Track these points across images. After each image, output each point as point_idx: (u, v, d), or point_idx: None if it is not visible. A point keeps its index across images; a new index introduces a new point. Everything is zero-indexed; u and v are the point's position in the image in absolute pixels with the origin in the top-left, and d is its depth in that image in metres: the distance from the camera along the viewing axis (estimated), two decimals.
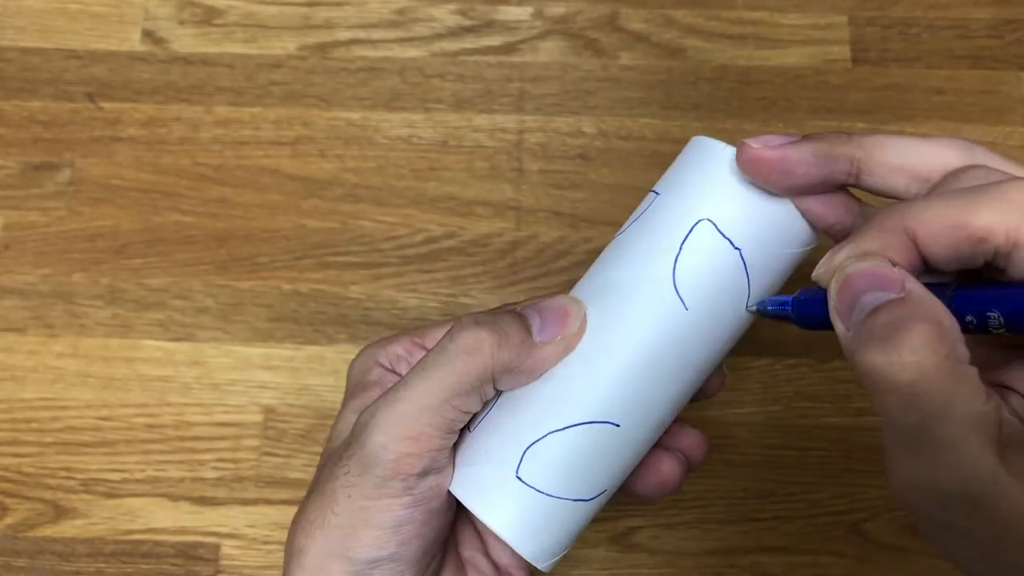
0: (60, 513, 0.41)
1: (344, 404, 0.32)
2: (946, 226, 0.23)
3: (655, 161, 0.45)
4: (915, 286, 0.23)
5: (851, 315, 0.24)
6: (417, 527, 0.29)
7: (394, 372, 0.33)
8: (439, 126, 0.46)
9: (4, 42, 0.48)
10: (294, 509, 0.41)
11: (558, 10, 0.48)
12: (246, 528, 0.41)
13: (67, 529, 0.41)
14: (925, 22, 0.48)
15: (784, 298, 0.28)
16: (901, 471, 0.23)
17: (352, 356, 0.43)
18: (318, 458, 0.41)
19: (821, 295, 0.26)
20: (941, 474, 0.22)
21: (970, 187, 0.24)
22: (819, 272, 0.26)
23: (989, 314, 0.23)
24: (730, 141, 0.47)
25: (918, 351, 0.22)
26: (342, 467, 0.29)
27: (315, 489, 0.30)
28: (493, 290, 0.44)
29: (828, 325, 0.25)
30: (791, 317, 0.28)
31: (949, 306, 0.23)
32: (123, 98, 0.47)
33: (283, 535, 0.41)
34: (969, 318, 0.23)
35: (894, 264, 0.24)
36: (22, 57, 0.48)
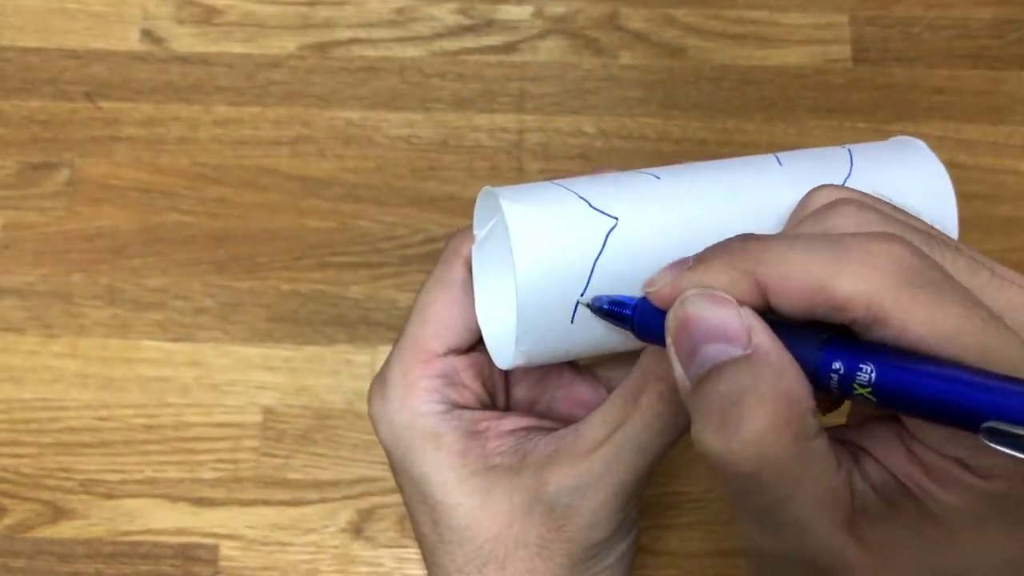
0: (58, 514, 0.41)
1: (414, 461, 0.29)
2: (802, 287, 0.20)
3: (655, 161, 0.45)
4: (763, 339, 0.21)
5: (689, 363, 0.21)
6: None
7: (453, 404, 0.30)
8: (439, 126, 0.46)
9: (3, 42, 0.48)
10: (293, 510, 0.41)
11: (558, 9, 0.48)
12: (245, 529, 0.41)
13: (65, 530, 0.41)
14: (926, 21, 0.48)
15: (626, 299, 0.25)
16: (751, 541, 0.22)
17: (352, 356, 0.43)
18: (317, 459, 0.41)
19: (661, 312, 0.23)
20: (790, 549, 0.21)
21: (835, 237, 0.21)
22: (654, 289, 0.23)
23: (861, 368, 0.20)
24: (730, 141, 0.47)
25: (760, 438, 0.20)
26: (557, 550, 0.28)
27: (503, 560, 0.28)
28: None
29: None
30: (629, 324, 0.25)
31: (815, 357, 0.21)
32: (122, 98, 0.47)
33: (282, 536, 0.41)
34: (837, 365, 0.20)
35: (742, 302, 0.21)
36: (21, 56, 0.47)
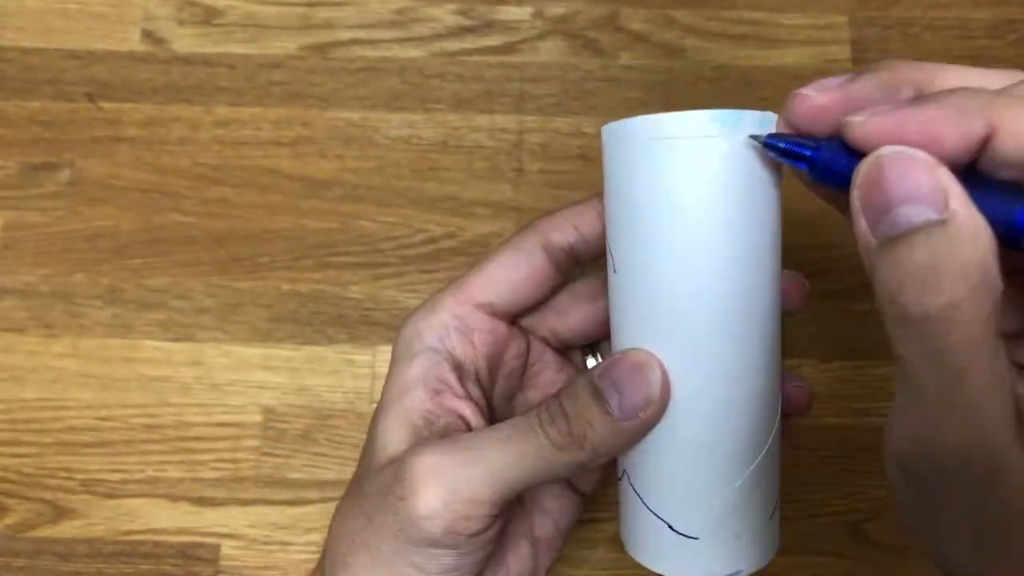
0: (60, 514, 0.41)
1: (390, 372, 0.32)
2: None
3: None
4: (960, 205, 0.20)
5: (878, 220, 0.21)
6: (467, 565, 0.28)
7: (444, 351, 0.31)
8: (439, 126, 0.46)
9: (4, 42, 0.48)
10: (294, 509, 0.41)
11: (558, 10, 0.48)
12: (246, 528, 0.41)
13: (67, 530, 0.41)
14: (925, 22, 0.48)
15: (808, 141, 0.24)
16: (905, 426, 0.22)
17: (352, 356, 0.43)
18: (318, 458, 0.41)
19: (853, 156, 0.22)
20: (951, 436, 0.21)
21: None
22: (858, 124, 0.22)
23: None
24: None
25: (957, 305, 0.19)
26: (391, 505, 0.28)
27: (359, 499, 0.29)
28: None
29: (846, 189, 0.22)
30: (805, 166, 0.24)
31: (1010, 217, 0.20)
32: (123, 98, 0.47)
33: (283, 535, 0.41)
34: None
35: (948, 155, 0.21)
36: (22, 57, 0.48)
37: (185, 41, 0.48)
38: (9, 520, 0.41)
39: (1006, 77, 0.23)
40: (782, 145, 0.24)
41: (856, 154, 0.22)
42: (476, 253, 0.44)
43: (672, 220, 0.26)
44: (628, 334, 0.28)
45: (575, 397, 0.28)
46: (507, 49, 0.48)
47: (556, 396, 0.28)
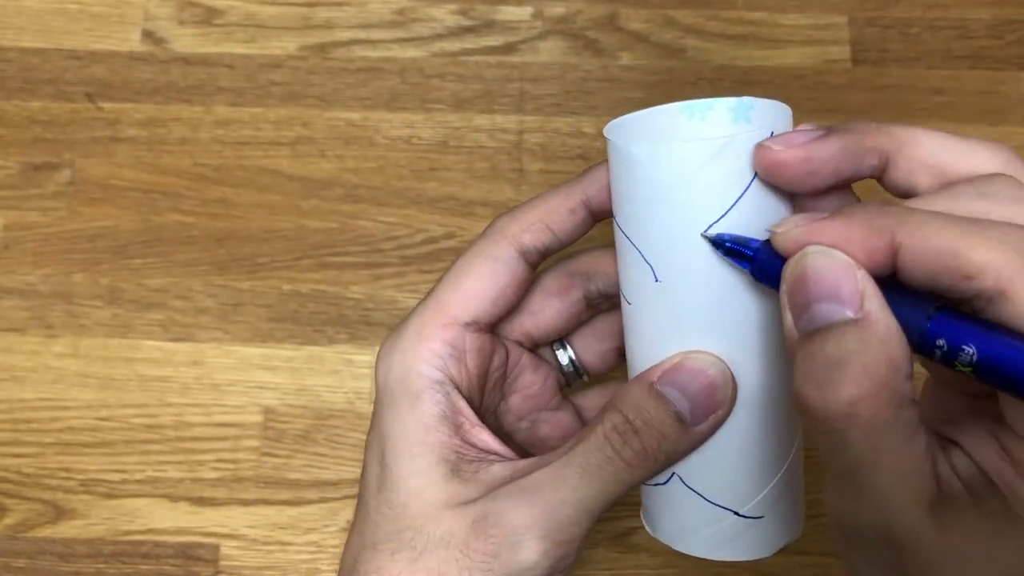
0: (60, 514, 0.41)
1: (393, 411, 0.29)
2: (938, 250, 0.21)
3: None
4: (874, 306, 0.21)
5: (800, 316, 0.22)
6: None
7: (449, 382, 0.30)
8: (439, 126, 0.46)
9: (4, 42, 0.48)
10: (293, 510, 0.41)
11: (558, 10, 0.48)
12: (246, 529, 0.41)
13: (66, 530, 0.41)
14: (925, 22, 0.48)
15: (749, 239, 0.25)
16: (832, 501, 0.23)
17: (352, 356, 0.43)
18: (318, 459, 0.41)
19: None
20: (864, 517, 0.22)
21: (974, 219, 0.22)
22: (779, 235, 0.24)
23: (964, 347, 0.21)
24: None
25: (855, 403, 0.21)
26: (479, 561, 0.26)
27: (406, 554, 0.27)
28: None
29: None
30: (749, 263, 0.25)
31: (922, 326, 0.21)
32: (123, 98, 0.47)
33: (282, 535, 0.41)
34: (941, 342, 0.21)
35: (861, 266, 0.22)
36: (22, 57, 0.48)
37: (185, 41, 0.48)
38: (9, 520, 0.41)
39: (985, 152, 0.24)
40: (727, 244, 0.26)
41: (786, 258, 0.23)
42: None
43: (692, 220, 0.27)
44: (668, 338, 0.28)
45: (641, 410, 0.27)
46: (507, 49, 0.48)
47: (618, 412, 0.27)
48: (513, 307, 0.31)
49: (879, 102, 0.46)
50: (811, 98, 0.47)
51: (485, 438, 0.30)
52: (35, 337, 0.43)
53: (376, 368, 0.30)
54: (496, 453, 0.29)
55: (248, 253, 0.44)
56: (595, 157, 0.46)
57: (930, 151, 0.24)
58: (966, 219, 0.22)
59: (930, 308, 0.22)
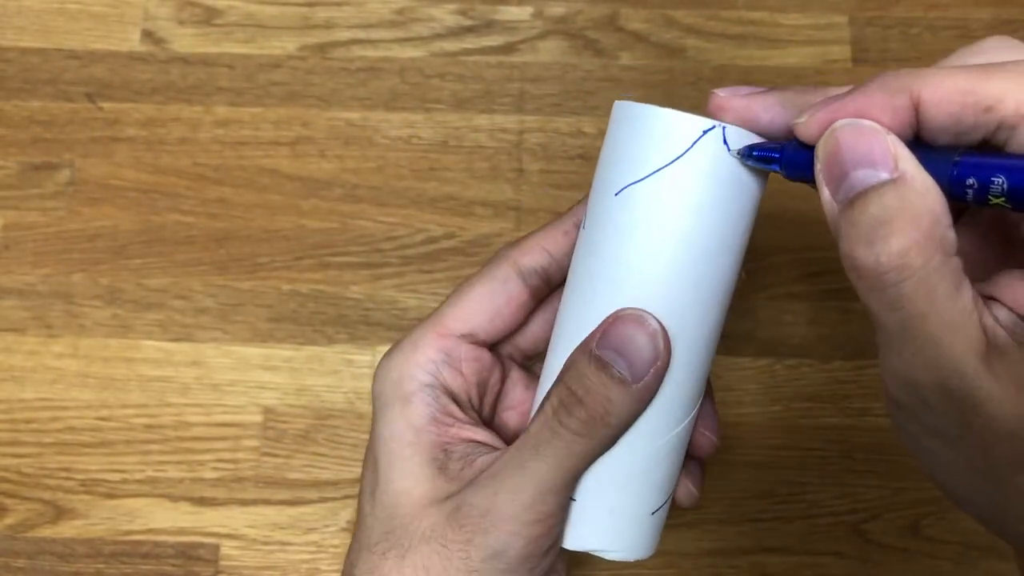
0: (59, 514, 0.41)
1: (385, 418, 0.30)
2: (955, 91, 0.22)
3: None
4: (908, 166, 0.22)
5: (838, 187, 0.23)
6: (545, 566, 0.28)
7: (440, 385, 0.30)
8: (439, 126, 0.46)
9: (4, 42, 0.48)
10: (293, 510, 0.41)
11: (558, 10, 0.48)
12: (246, 528, 0.41)
13: (66, 530, 0.41)
14: (925, 22, 0.48)
15: (773, 144, 0.27)
16: (887, 365, 0.23)
17: (352, 356, 0.43)
18: (318, 458, 0.41)
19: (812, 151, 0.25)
20: (923, 374, 0.22)
21: (986, 62, 0.23)
22: (803, 124, 0.25)
23: (993, 179, 0.22)
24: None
25: (905, 253, 0.22)
26: (457, 551, 0.27)
27: (397, 552, 0.28)
28: None
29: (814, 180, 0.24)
30: (777, 166, 0.27)
31: (950, 173, 0.23)
32: (123, 98, 0.47)
33: (282, 535, 0.41)
34: (971, 181, 0.22)
35: (892, 126, 0.23)
36: (22, 57, 0.48)
37: (185, 41, 0.48)
38: (9, 520, 0.41)
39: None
40: (755, 153, 0.27)
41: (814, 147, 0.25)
42: (476, 253, 0.44)
43: (646, 199, 0.27)
44: (603, 294, 0.28)
45: (581, 377, 0.27)
46: (507, 49, 0.48)
47: (562, 384, 0.28)
48: (514, 327, 0.32)
49: None
50: None
51: (475, 434, 0.30)
52: (35, 337, 0.43)
53: (375, 376, 0.31)
54: (486, 444, 0.30)
55: (248, 253, 0.44)
56: (595, 157, 0.45)
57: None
58: (978, 64, 0.23)
59: (955, 155, 0.23)
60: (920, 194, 0.22)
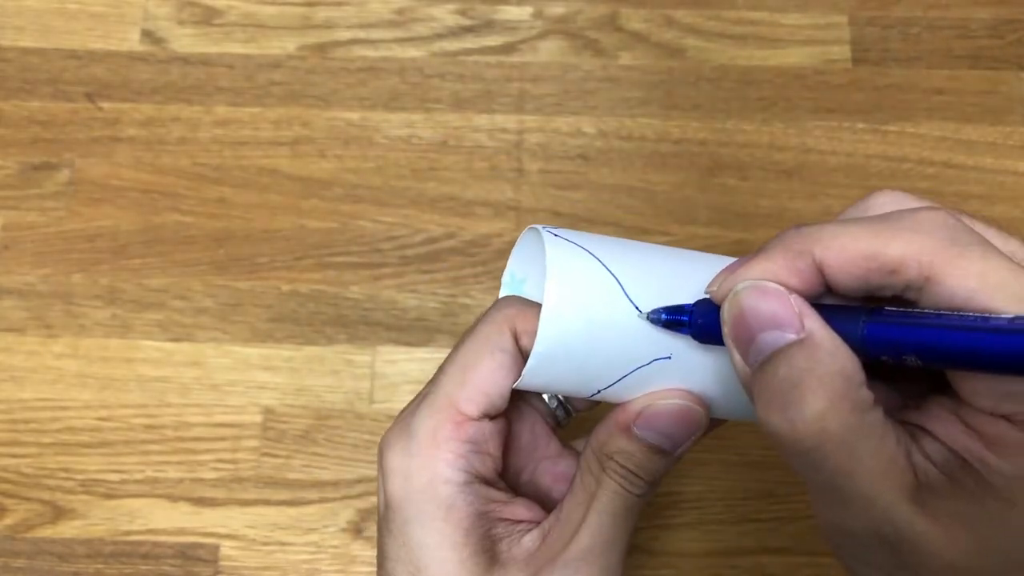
0: (59, 514, 0.41)
1: (416, 525, 0.28)
2: (858, 255, 0.22)
3: (655, 161, 0.45)
4: (815, 325, 0.22)
5: (747, 351, 0.23)
6: None
7: (476, 478, 0.29)
8: (439, 126, 0.46)
9: (3, 42, 0.48)
10: (293, 510, 0.41)
11: (558, 10, 0.48)
12: (245, 529, 0.41)
13: (66, 530, 0.41)
14: (925, 22, 0.48)
15: (682, 305, 0.26)
16: (820, 516, 0.23)
17: (352, 356, 0.43)
18: (317, 459, 0.41)
19: (718, 312, 0.24)
20: (856, 522, 0.22)
21: (883, 214, 0.23)
22: (713, 289, 0.25)
23: (905, 358, 0.21)
24: (730, 141, 0.47)
25: (820, 415, 0.21)
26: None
27: None
28: (493, 291, 0.44)
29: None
30: (688, 329, 0.26)
31: (859, 342, 0.22)
32: (122, 98, 0.47)
33: (282, 536, 0.41)
34: (885, 358, 0.22)
35: (793, 291, 0.23)
36: (21, 57, 0.48)
37: (185, 41, 0.48)
38: (8, 520, 0.41)
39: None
40: (664, 317, 0.26)
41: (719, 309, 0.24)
42: (476, 253, 0.44)
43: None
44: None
45: (631, 456, 0.28)
46: (507, 49, 0.48)
47: (613, 460, 0.28)
48: None
49: (879, 102, 0.46)
50: (811, 98, 0.46)
51: (515, 510, 0.30)
52: (34, 337, 0.43)
53: (386, 468, 0.29)
54: (525, 521, 0.29)
55: (247, 253, 0.44)
56: (595, 157, 0.46)
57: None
58: (877, 218, 0.23)
59: (862, 317, 0.22)
60: (830, 353, 0.22)
